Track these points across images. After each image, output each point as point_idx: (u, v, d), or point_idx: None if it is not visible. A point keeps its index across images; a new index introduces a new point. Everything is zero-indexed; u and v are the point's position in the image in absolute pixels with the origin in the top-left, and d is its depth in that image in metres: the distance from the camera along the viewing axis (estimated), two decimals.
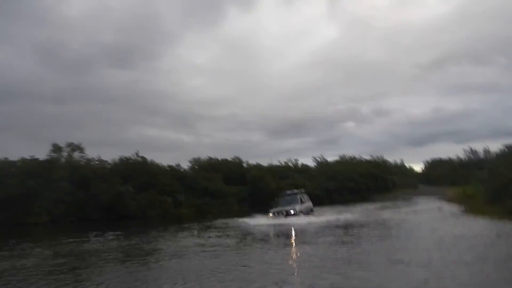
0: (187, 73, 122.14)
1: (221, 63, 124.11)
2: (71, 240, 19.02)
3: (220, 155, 54.36)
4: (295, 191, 28.71)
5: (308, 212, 26.99)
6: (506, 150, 39.18)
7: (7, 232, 24.45)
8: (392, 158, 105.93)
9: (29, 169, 31.94)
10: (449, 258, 10.53)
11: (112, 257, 13.97)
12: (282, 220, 23.75)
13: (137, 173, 37.28)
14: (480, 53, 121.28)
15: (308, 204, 28.44)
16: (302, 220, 23.61)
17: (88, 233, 21.33)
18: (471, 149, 77.90)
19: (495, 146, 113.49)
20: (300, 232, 19.13)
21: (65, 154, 37.00)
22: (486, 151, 71.15)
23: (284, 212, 24.66)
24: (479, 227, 18.64)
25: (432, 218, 23.89)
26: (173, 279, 9.58)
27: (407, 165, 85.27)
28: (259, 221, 24.04)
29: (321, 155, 64.79)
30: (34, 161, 33.48)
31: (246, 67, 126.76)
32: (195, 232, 20.91)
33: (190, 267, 11.14)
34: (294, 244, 15.77)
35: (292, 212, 24.69)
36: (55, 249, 16.13)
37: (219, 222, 26.14)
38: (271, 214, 25.25)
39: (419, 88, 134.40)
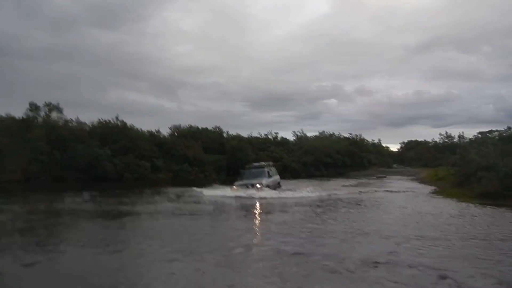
0: (172, 38, 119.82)
1: (208, 31, 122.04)
2: (46, 198, 19.06)
3: (201, 124, 54.44)
4: (263, 163, 27.21)
5: (275, 186, 25.65)
6: (480, 137, 40.45)
7: None
8: (370, 137, 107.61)
9: (5, 126, 31.30)
10: (412, 233, 11.15)
11: (89, 216, 14.21)
12: (245, 193, 22.15)
13: (116, 136, 37.02)
14: (466, 40, 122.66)
15: (276, 177, 27.25)
16: (268, 194, 22.36)
17: (63, 193, 21.37)
18: (447, 134, 79.96)
19: (470, 133, 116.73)
20: (265, 207, 18.36)
21: (42, 113, 36.40)
22: (461, 137, 73.07)
23: (249, 186, 23.13)
24: (445, 207, 19.55)
25: (402, 196, 24.81)
26: (149, 236, 9.98)
27: (384, 144, 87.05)
28: (217, 193, 22.64)
29: (301, 130, 65.48)
30: (10, 118, 32.81)
31: (233, 37, 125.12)
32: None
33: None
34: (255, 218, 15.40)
35: (258, 186, 23.16)
36: (31, 206, 16.19)
37: (178, 190, 24.66)
38: (235, 187, 23.68)
39: (404, 70, 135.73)
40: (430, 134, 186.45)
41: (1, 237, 10.22)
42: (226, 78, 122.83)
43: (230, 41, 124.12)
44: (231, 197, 21.52)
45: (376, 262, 7.75)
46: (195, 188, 24.34)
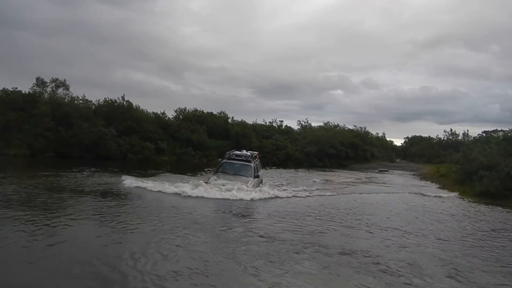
0: (181, 19, 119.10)
1: (217, 13, 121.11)
2: (49, 173, 19.27)
3: (206, 108, 54.42)
4: (248, 154, 19.76)
5: (258, 184, 19.04)
6: (484, 136, 40.38)
7: None
8: (375, 130, 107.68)
9: (11, 100, 31.47)
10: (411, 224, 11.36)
11: (89, 191, 14.52)
12: (221, 195, 15.63)
13: (121, 116, 37.12)
14: (475, 38, 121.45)
15: (260, 175, 20.13)
16: (247, 195, 16.03)
17: (67, 169, 21.61)
18: (451, 131, 79.68)
19: (475, 131, 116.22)
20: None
21: (49, 89, 36.53)
22: (465, 135, 72.81)
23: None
24: (445, 204, 19.72)
25: (404, 194, 24.96)
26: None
27: (388, 138, 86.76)
28: (169, 189, 16.05)
29: (306, 119, 65.44)
30: (16, 93, 32.91)
31: (240, 22, 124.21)
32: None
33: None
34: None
35: (245, 187, 16.67)
36: (35, 180, 16.40)
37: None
38: (208, 184, 16.91)
39: (411, 65, 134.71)
40: (434, 130, 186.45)
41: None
42: (232, 63, 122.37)
43: (237, 26, 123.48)
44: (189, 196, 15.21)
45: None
46: (128, 179, 17.77)
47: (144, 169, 27.53)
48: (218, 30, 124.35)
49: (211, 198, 15.07)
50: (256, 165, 19.63)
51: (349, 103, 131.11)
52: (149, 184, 16.65)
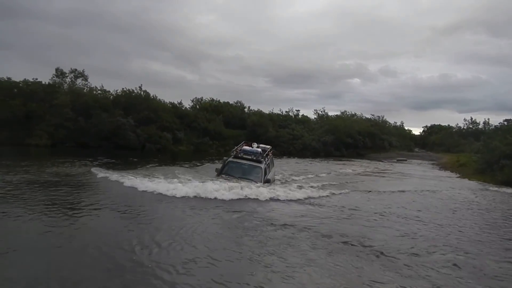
0: (198, 7, 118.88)
1: (233, 1, 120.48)
2: (69, 162, 19.58)
3: (222, 97, 54.56)
4: (259, 151, 16.23)
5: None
6: (506, 124, 39.42)
7: (8, 151, 25.02)
8: (393, 119, 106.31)
9: (32, 91, 31.97)
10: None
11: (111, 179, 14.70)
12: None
13: (139, 106, 37.41)
14: (497, 23, 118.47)
15: (272, 174, 17.20)
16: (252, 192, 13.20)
17: (88, 158, 21.90)
18: (472, 119, 78.29)
19: (496, 120, 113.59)
20: None
21: (68, 80, 36.98)
22: (486, 123, 71.55)
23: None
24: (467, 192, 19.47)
25: (425, 184, 24.65)
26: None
27: (406, 128, 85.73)
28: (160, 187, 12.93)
29: (323, 108, 64.98)
30: (37, 83, 33.39)
31: (258, 8, 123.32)
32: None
33: None
34: None
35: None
36: (55, 169, 16.66)
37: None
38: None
39: (430, 52, 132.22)
40: (454, 119, 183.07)
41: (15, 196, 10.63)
42: (248, 52, 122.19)
43: (253, 14, 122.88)
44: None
45: None
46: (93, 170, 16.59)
47: (163, 159, 27.76)
48: (234, 18, 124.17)
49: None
50: (268, 164, 16.02)
51: (367, 92, 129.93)
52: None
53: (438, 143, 74.45)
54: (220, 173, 15.24)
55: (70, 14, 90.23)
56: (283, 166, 26.27)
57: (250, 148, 16.62)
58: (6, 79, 32.09)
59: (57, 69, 36.16)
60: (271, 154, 17.17)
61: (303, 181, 19.64)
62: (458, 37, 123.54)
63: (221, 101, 50.81)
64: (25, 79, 33.24)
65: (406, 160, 48.89)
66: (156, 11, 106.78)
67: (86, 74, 37.58)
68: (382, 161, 44.47)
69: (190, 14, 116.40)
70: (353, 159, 44.08)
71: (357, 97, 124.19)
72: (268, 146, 18.13)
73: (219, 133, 42.46)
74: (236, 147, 17.06)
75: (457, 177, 29.94)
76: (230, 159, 15.91)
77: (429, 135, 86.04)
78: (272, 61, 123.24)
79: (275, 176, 18.27)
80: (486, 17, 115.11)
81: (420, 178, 27.21)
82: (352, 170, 29.49)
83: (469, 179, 27.33)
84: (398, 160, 47.82)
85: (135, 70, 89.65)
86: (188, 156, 31.83)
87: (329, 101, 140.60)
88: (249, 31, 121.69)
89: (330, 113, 64.56)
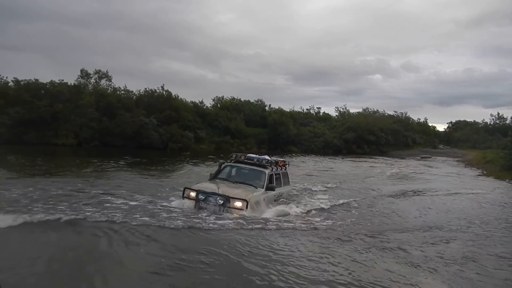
0: (216, 6, 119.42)
1: None
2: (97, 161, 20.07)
3: (242, 96, 54.73)
4: (266, 158, 12.94)
5: (272, 200, 11.77)
6: None
7: (36, 150, 25.69)
8: (416, 115, 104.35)
9: (58, 92, 32.79)
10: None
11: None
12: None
13: (161, 106, 37.91)
14: None
15: (283, 188, 12.97)
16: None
17: (113, 158, 22.36)
18: (498, 115, 76.20)
19: None
20: None
21: (92, 81, 37.85)
22: None
23: (219, 200, 10.03)
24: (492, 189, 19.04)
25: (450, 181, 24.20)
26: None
27: (430, 124, 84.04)
28: None
29: (344, 106, 64.60)
30: (63, 84, 34.24)
31: (276, 5, 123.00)
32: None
33: None
34: None
35: (238, 204, 9.95)
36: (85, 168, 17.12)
37: None
38: (188, 198, 10.40)
39: (453, 46, 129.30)
40: (480, 114, 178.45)
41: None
42: (268, 50, 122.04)
43: (272, 12, 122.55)
44: None
45: None
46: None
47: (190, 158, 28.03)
48: (253, 16, 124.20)
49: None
50: (277, 174, 12.64)
51: (388, 88, 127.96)
52: None
53: (464, 140, 72.84)
54: (214, 176, 12.03)
55: (92, 16, 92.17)
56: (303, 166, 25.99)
57: (256, 156, 13.18)
58: (34, 80, 33.02)
59: (82, 70, 37.15)
60: (282, 166, 13.48)
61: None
62: (482, 30, 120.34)
63: (242, 99, 51.04)
64: (51, 80, 34.18)
65: (430, 157, 48.01)
66: (175, 12, 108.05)
67: (110, 75, 38.44)
68: (405, 159, 43.82)
69: (209, 13, 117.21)
70: (376, 156, 43.61)
71: (378, 94, 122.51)
72: (281, 159, 14.23)
73: (240, 132, 42.66)
74: (235, 153, 13.76)
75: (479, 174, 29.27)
76: (228, 162, 12.95)
77: (453, 131, 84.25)
78: (291, 59, 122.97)
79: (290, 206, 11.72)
80: (511, 8, 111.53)
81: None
82: (379, 171, 28.74)
83: (496, 176, 26.65)
84: (422, 157, 47.03)
85: (157, 70, 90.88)
86: (209, 153, 32.03)
87: (350, 98, 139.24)
88: (267, 28, 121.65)
89: (351, 110, 64.19)
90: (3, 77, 32.70)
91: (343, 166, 29.35)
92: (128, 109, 34.97)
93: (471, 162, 40.45)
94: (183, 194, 10.54)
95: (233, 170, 12.51)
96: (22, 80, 32.30)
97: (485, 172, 30.69)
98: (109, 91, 37.86)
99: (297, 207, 11.60)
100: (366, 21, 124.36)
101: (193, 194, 10.28)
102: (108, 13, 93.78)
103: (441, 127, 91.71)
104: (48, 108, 30.80)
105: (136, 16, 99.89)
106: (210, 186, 10.76)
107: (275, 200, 11.94)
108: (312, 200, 13.17)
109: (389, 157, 44.42)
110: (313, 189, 15.84)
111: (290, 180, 14.02)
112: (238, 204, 9.93)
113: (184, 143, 36.46)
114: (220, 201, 9.98)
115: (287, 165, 13.94)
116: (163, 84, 40.65)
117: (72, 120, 31.76)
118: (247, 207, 9.89)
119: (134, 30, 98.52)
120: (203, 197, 10.07)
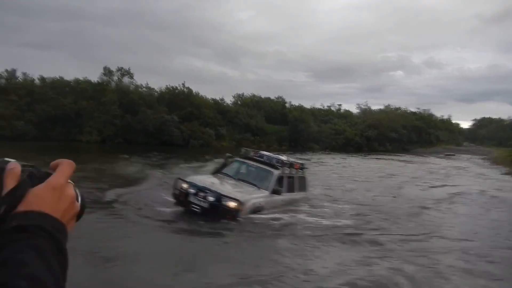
0: (236, 4, 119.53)
1: None
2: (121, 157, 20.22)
3: (262, 93, 54.44)
4: (280, 158, 11.58)
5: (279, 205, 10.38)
6: None
7: (60, 146, 26.14)
8: (439, 112, 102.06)
9: (82, 89, 33.29)
10: None
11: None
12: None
13: (182, 103, 38.09)
14: None
15: (295, 195, 11.42)
16: None
17: (143, 154, 22.41)
18: None
19: None
20: None
21: (115, 78, 38.24)
22: None
23: (209, 198, 8.77)
24: None
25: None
26: None
27: (454, 121, 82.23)
28: None
29: (366, 102, 63.77)
30: (87, 82, 34.74)
31: (297, 2, 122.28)
32: None
33: None
34: None
35: (232, 204, 8.65)
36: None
37: None
38: (179, 188, 9.34)
39: (477, 42, 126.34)
40: (506, 111, 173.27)
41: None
42: (288, 47, 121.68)
43: (292, 9, 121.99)
44: None
45: None
46: None
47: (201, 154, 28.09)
48: (273, 13, 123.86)
49: None
50: (289, 177, 11.19)
51: (410, 84, 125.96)
52: None
53: (489, 137, 71.22)
54: (217, 171, 11.14)
55: (115, 14, 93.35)
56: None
57: (266, 154, 11.89)
58: (59, 78, 33.58)
59: (105, 68, 37.50)
60: (298, 168, 11.72)
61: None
62: (508, 25, 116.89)
63: (262, 96, 50.93)
64: (75, 78, 34.71)
65: (454, 155, 47.04)
66: (197, 9, 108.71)
67: (132, 72, 38.76)
68: (428, 156, 43.01)
69: (230, 10, 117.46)
70: (398, 154, 42.90)
71: (400, 90, 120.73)
72: (299, 162, 12.48)
73: (260, 129, 42.59)
74: (246, 149, 12.75)
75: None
76: (234, 161, 11.80)
77: (478, 128, 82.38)
78: (311, 55, 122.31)
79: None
80: None
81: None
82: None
83: None
84: (446, 155, 46.11)
85: (178, 67, 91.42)
86: (230, 151, 31.96)
87: (371, 95, 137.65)
88: (288, 25, 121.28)
89: (373, 107, 63.27)
90: (29, 75, 33.41)
91: (370, 164, 28.92)
92: (150, 106, 35.26)
93: (496, 160, 39.51)
94: (175, 185, 9.51)
95: (240, 167, 11.43)
96: (47, 78, 32.95)
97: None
98: (131, 88, 38.20)
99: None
100: (387, 17, 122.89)
101: (185, 186, 9.20)
102: (133, 10, 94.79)
103: (465, 124, 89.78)
104: (72, 105, 31.30)
105: (159, 13, 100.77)
106: (206, 180, 9.73)
107: (287, 204, 10.57)
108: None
109: (412, 155, 43.64)
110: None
111: (308, 186, 12.34)
112: (231, 204, 8.55)
113: (205, 140, 36.61)
114: (210, 198, 8.70)
115: (305, 169, 12.27)
116: (184, 81, 40.87)
117: (96, 117, 32.19)
118: (241, 210, 8.56)
119: (156, 27, 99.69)
120: (193, 191, 8.91)
